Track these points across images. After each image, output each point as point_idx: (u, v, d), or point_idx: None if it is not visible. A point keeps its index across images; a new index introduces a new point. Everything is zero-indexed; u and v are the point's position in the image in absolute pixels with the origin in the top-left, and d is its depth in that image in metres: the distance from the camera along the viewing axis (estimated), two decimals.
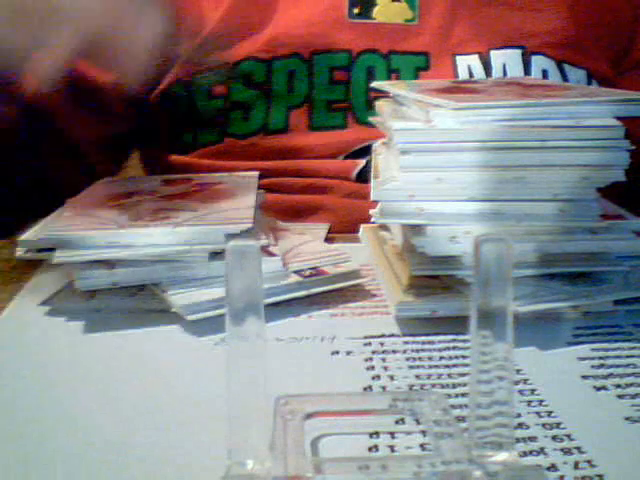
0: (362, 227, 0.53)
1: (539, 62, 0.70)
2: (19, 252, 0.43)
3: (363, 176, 0.66)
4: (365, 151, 0.66)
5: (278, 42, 0.68)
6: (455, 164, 0.40)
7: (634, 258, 0.41)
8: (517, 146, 0.39)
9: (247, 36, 0.70)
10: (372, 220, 0.43)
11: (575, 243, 0.40)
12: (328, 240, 0.53)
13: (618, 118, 0.40)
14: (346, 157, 0.67)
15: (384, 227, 0.50)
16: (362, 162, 0.66)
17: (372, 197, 0.42)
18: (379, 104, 0.52)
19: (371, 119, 0.53)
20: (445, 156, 0.40)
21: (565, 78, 0.71)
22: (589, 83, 0.72)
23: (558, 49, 0.71)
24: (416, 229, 0.41)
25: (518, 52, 0.70)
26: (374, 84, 0.55)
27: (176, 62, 0.73)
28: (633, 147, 0.39)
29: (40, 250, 0.43)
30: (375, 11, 0.70)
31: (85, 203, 0.49)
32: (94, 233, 0.43)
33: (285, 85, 0.68)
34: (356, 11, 0.70)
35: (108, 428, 0.31)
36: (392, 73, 0.68)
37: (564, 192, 0.40)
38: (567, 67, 0.71)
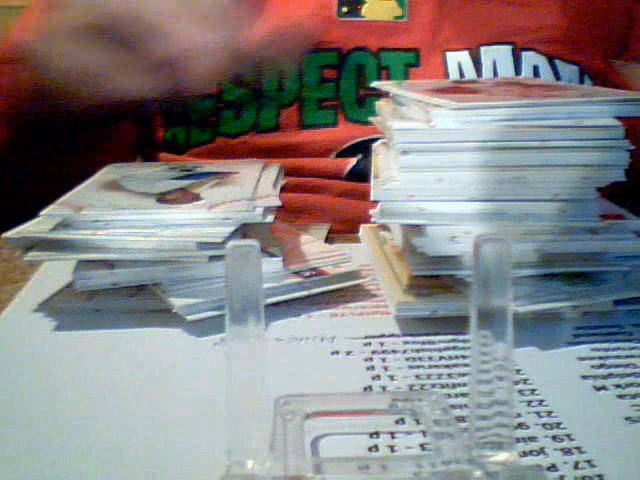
0: (362, 227, 0.53)
1: (530, 58, 0.69)
2: (18, 253, 0.43)
3: (355, 174, 0.66)
4: (356, 149, 0.66)
5: None
6: (455, 164, 0.40)
7: (634, 258, 0.41)
8: (517, 146, 0.39)
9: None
10: (372, 220, 0.43)
11: (575, 243, 0.40)
12: (328, 240, 0.53)
13: (618, 118, 0.40)
14: (337, 155, 0.67)
15: (384, 227, 0.50)
16: (353, 160, 0.66)
17: (372, 197, 0.42)
18: (379, 104, 0.52)
19: (371, 119, 0.53)
20: (445, 156, 0.40)
21: (557, 74, 0.70)
22: (581, 79, 0.72)
23: (549, 45, 0.70)
24: (416, 229, 0.41)
25: (508, 48, 0.69)
26: (374, 84, 0.55)
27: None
28: (633, 147, 0.39)
29: (29, 248, 0.43)
30: (364, 9, 0.71)
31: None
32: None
33: (276, 84, 0.68)
34: (345, 10, 0.70)
35: (108, 428, 0.31)
36: (382, 70, 0.68)
37: (564, 192, 0.40)
38: (559, 63, 0.71)
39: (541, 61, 0.70)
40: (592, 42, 0.73)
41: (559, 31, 0.71)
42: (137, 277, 0.43)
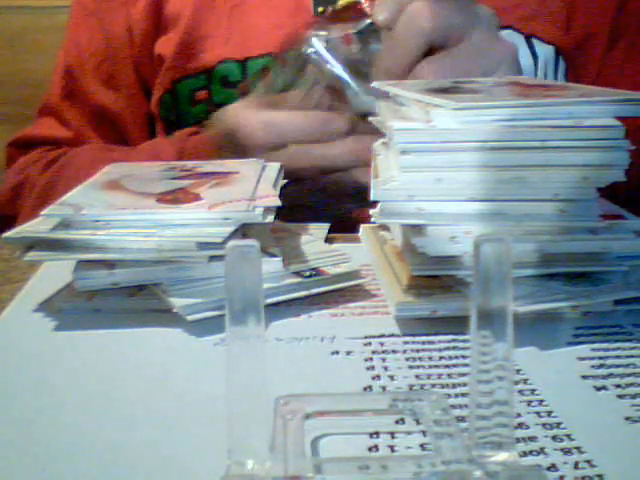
0: (362, 227, 0.53)
1: (507, 37, 0.70)
2: (18, 253, 0.43)
3: None
4: None
5: (250, 44, 0.70)
6: (455, 164, 0.40)
7: (634, 258, 0.41)
8: (517, 146, 0.39)
9: (219, 40, 0.72)
10: (372, 220, 0.43)
11: (575, 243, 0.40)
12: (328, 240, 0.53)
13: (618, 118, 0.40)
14: None
15: (384, 227, 0.50)
16: None
17: (372, 197, 0.42)
18: (379, 104, 0.52)
19: (371, 119, 0.53)
20: (445, 156, 0.40)
21: (534, 54, 0.71)
22: (556, 60, 0.72)
23: (526, 22, 0.71)
24: (416, 229, 0.41)
25: None
26: (374, 84, 0.55)
27: (161, 68, 0.74)
28: (633, 147, 0.39)
29: (29, 248, 0.43)
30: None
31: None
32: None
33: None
34: (321, 9, 0.71)
35: (108, 428, 0.31)
36: None
37: (564, 192, 0.40)
38: (536, 42, 0.71)
39: (519, 40, 0.70)
40: (563, 20, 0.73)
41: (533, 8, 0.71)
42: (137, 277, 0.43)
